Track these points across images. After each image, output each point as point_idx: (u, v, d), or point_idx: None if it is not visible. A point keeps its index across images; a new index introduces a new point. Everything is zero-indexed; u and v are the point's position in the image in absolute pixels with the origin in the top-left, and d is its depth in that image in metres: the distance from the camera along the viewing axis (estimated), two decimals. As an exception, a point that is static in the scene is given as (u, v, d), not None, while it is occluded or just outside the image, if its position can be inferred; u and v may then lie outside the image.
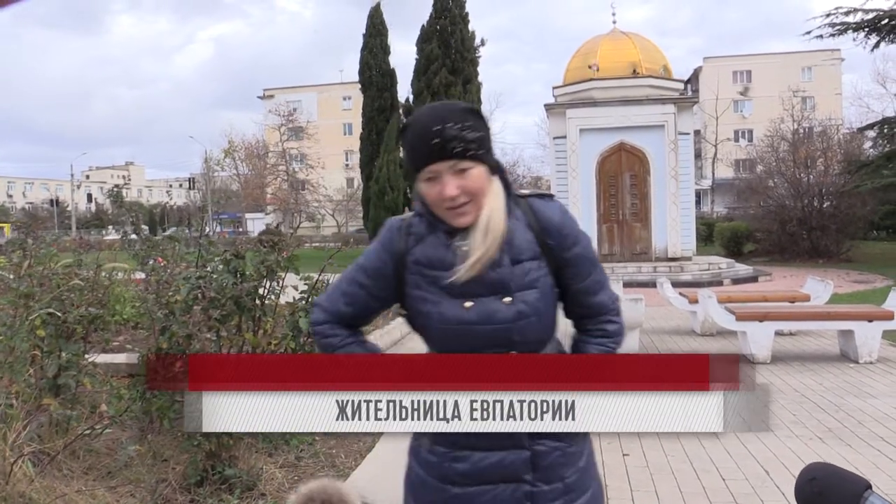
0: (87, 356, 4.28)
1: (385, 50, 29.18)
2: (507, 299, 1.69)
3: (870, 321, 7.71)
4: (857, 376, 7.06)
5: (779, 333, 8.41)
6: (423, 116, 1.68)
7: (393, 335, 9.68)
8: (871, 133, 24.15)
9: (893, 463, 4.55)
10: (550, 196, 1.83)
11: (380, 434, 4.19)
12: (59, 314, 4.09)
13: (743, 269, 19.02)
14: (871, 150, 25.39)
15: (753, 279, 17.69)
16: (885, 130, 22.23)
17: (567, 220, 1.77)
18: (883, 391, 6.45)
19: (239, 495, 3.61)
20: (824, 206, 22.96)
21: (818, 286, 9.87)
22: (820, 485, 1.22)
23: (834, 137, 26.21)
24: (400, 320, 11.22)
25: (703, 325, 9.60)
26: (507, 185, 1.76)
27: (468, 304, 1.70)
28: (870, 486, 1.18)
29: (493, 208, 1.69)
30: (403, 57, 72.42)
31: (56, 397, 3.85)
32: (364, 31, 29.31)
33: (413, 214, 1.82)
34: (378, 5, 29.35)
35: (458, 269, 1.68)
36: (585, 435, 1.81)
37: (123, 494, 3.55)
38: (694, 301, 9.55)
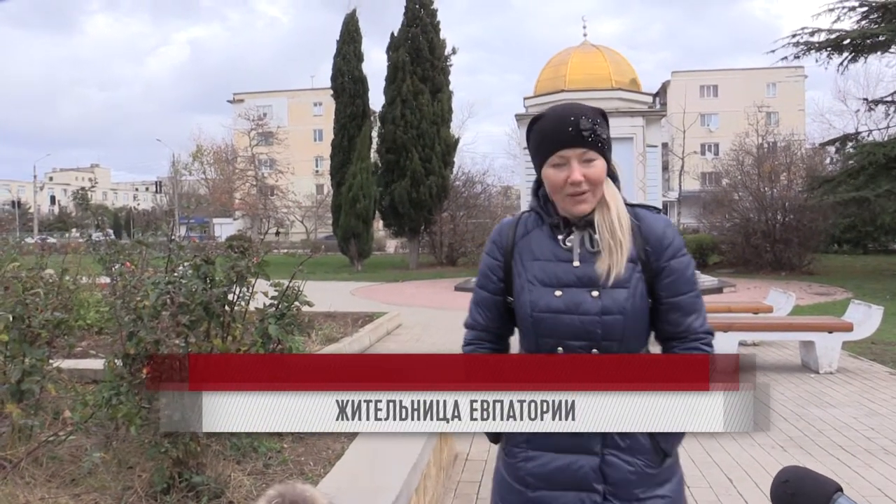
0: (51, 361, 4.22)
1: (358, 57, 29.15)
2: (595, 293, 1.75)
3: (830, 332, 7.89)
4: (818, 386, 7.21)
5: (742, 344, 8.56)
6: (561, 108, 1.83)
7: (362, 342, 9.66)
8: (832, 148, 24.70)
9: (852, 471, 4.66)
10: (658, 209, 1.91)
11: (350, 441, 4.20)
12: (22, 318, 4.02)
13: (708, 280, 19.27)
14: (831, 165, 25.98)
15: (718, 290, 17.94)
16: (849, 146, 22.74)
17: (669, 231, 1.84)
18: (842, 401, 6.60)
19: (206, 503, 3.57)
20: (787, 219, 23.40)
21: (781, 298, 10.07)
22: (793, 486, 1.28)
23: (797, 153, 26.75)
24: (369, 328, 11.13)
25: (669, 335, 9.72)
26: (615, 182, 1.88)
27: (558, 293, 1.77)
28: (840, 489, 1.24)
29: (618, 203, 1.82)
30: (379, 64, 72.44)
31: (19, 403, 3.78)
32: (338, 38, 29.25)
33: (525, 210, 1.97)
34: (354, 12, 29.33)
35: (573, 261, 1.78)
36: (674, 463, 1.83)
37: (88, 502, 3.50)
38: (660, 311, 9.67)
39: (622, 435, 1.71)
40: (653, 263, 1.79)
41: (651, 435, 1.72)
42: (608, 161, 1.83)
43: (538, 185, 1.92)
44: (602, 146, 1.78)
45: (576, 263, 1.78)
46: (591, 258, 1.78)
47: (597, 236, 1.79)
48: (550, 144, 1.79)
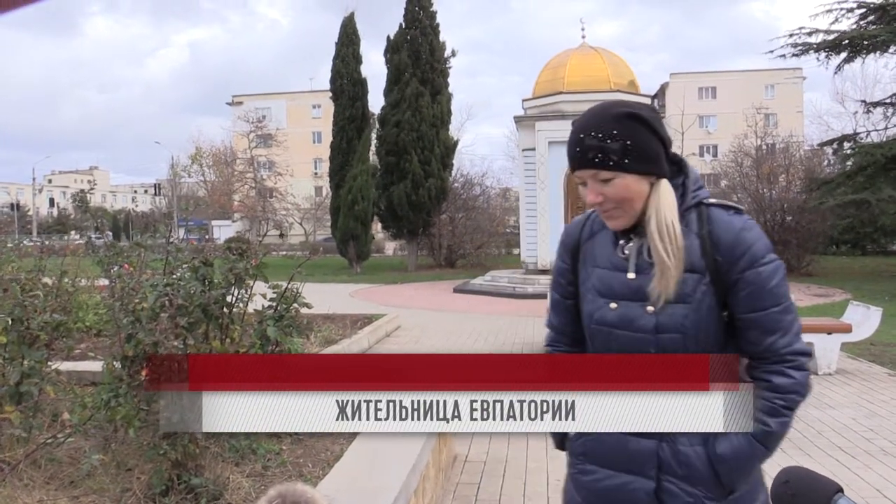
0: (50, 363, 4.21)
1: (357, 59, 29.17)
2: (650, 308, 1.62)
3: (829, 334, 7.89)
4: (817, 387, 7.21)
5: (741, 345, 8.54)
6: (577, 122, 1.68)
7: (361, 344, 9.65)
8: (830, 150, 24.74)
9: (851, 472, 4.66)
10: (739, 210, 1.66)
11: (349, 442, 4.20)
12: (21, 320, 4.02)
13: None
14: (829, 167, 26.02)
15: (717, 292, 17.95)
16: (846, 147, 22.77)
17: (746, 236, 1.59)
18: (841, 402, 6.60)
19: (204, 505, 3.57)
20: (786, 221, 23.43)
21: (780, 299, 10.07)
22: (794, 487, 1.28)
23: (795, 154, 26.79)
24: (368, 329, 11.12)
25: (668, 336, 9.73)
26: (685, 190, 1.66)
27: (613, 305, 1.67)
28: (841, 490, 1.24)
29: (664, 216, 1.60)
30: (378, 67, 72.53)
31: (18, 405, 3.78)
32: (337, 41, 29.27)
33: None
34: (352, 14, 29.35)
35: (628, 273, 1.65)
36: (747, 499, 1.66)
37: (86, 504, 3.50)
38: (659, 313, 9.67)
39: (679, 462, 1.61)
40: (724, 274, 1.59)
41: (712, 466, 1.59)
42: (642, 170, 1.61)
43: None
44: (618, 163, 1.59)
45: (630, 275, 1.65)
46: (648, 269, 1.62)
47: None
48: (569, 163, 1.68)
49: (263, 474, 4.09)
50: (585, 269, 1.76)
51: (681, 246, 1.58)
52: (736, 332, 1.63)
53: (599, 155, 1.59)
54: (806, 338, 6.34)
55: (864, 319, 8.09)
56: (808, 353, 1.63)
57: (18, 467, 3.47)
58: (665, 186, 1.63)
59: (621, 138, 1.59)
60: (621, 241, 1.69)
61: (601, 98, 19.65)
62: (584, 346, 1.84)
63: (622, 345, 1.65)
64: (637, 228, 1.66)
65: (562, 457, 1.88)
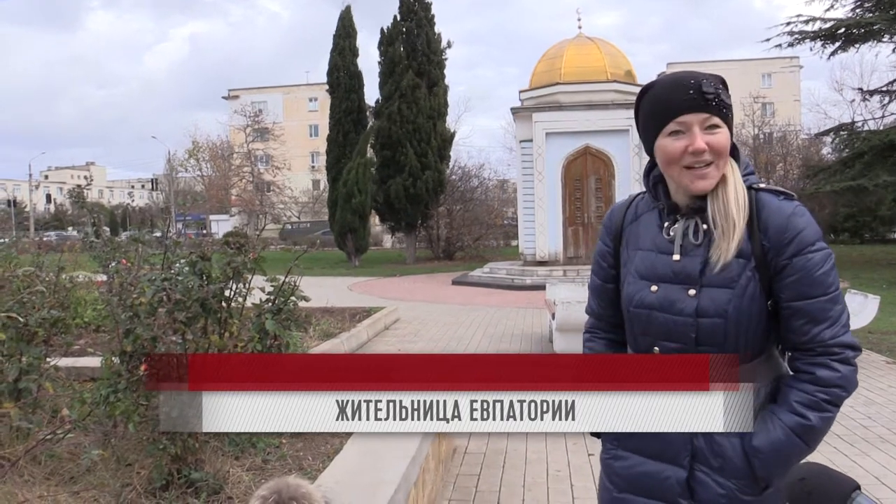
0: (48, 360, 4.21)
1: (354, 52, 29.10)
2: (692, 291, 1.58)
3: (827, 322, 7.90)
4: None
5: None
6: (679, 74, 1.62)
7: (360, 337, 9.66)
8: (829, 138, 24.74)
9: (849, 459, 4.68)
10: (789, 195, 1.61)
11: (349, 435, 4.20)
12: (19, 317, 4.02)
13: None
14: (830, 154, 26.03)
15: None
16: (843, 135, 22.77)
17: (796, 222, 1.54)
18: (839, 390, 6.62)
19: (205, 499, 3.57)
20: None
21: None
22: (809, 485, 1.25)
23: (793, 143, 26.80)
24: (367, 322, 11.12)
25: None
26: (737, 159, 1.66)
27: (654, 287, 1.64)
28: (858, 487, 1.21)
29: (737, 180, 1.59)
30: (375, 59, 72.44)
31: (17, 402, 3.78)
32: (334, 33, 29.20)
33: (640, 192, 1.79)
34: (348, 8, 29.25)
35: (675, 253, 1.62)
36: (776, 495, 1.60)
37: (87, 500, 3.50)
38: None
39: (714, 453, 1.58)
40: (771, 260, 1.54)
41: (747, 458, 1.55)
42: (732, 131, 1.61)
43: (651, 165, 1.73)
44: (727, 113, 1.58)
45: (675, 257, 1.61)
46: (693, 251, 1.60)
47: (704, 226, 1.59)
48: (667, 111, 1.57)
49: (263, 468, 4.10)
50: (627, 251, 1.73)
51: (746, 215, 1.56)
52: (780, 321, 1.58)
53: (717, 99, 1.55)
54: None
55: (861, 308, 8.09)
56: (856, 347, 1.55)
57: (18, 463, 3.48)
58: (736, 167, 1.63)
59: (726, 95, 1.59)
60: (667, 223, 1.65)
61: (598, 88, 19.55)
62: (621, 336, 1.82)
63: (661, 328, 1.62)
64: (688, 208, 1.63)
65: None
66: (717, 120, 1.56)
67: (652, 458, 1.65)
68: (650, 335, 1.65)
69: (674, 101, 1.57)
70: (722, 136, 1.56)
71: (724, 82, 1.61)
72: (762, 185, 1.63)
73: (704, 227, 1.60)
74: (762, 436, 1.53)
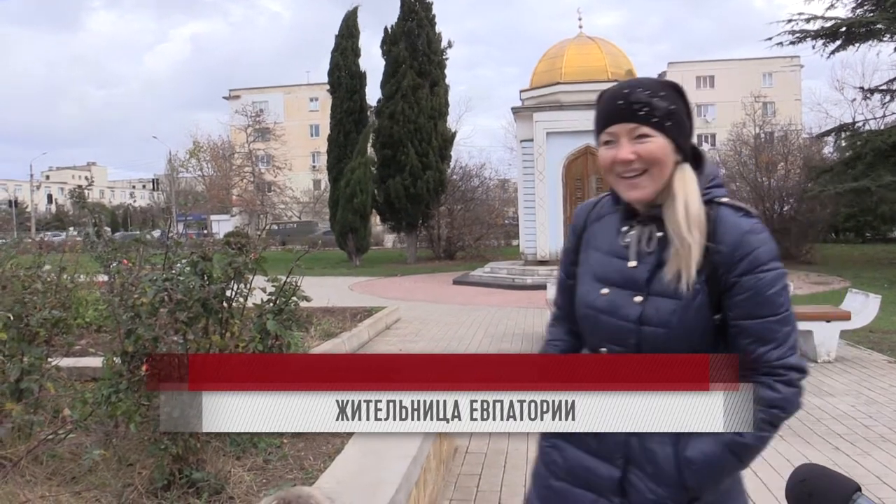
0: (49, 360, 4.22)
1: (356, 52, 29.10)
2: (638, 298, 1.58)
3: (828, 321, 7.90)
4: (816, 375, 7.23)
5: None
6: (617, 84, 1.61)
7: (361, 337, 9.66)
8: (830, 138, 24.72)
9: (851, 459, 4.67)
10: (749, 213, 1.57)
11: (350, 435, 4.21)
12: (21, 317, 4.02)
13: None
14: (831, 154, 25.99)
15: (716, 281, 17.96)
16: (845, 135, 22.75)
17: (750, 240, 1.51)
18: (840, 390, 6.61)
19: (207, 499, 3.58)
20: (785, 209, 23.43)
21: (779, 288, 10.07)
22: (810, 486, 1.24)
23: (794, 142, 26.76)
24: (368, 322, 11.13)
25: (668, 326, 9.73)
26: (698, 168, 1.61)
27: (605, 290, 1.64)
28: (859, 489, 1.19)
29: (689, 192, 1.55)
30: (377, 59, 72.43)
31: (18, 402, 3.79)
32: (337, 33, 29.20)
33: (608, 192, 1.77)
34: (355, 8, 29.27)
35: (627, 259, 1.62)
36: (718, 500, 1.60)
37: (89, 500, 3.50)
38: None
39: (646, 459, 1.58)
40: (722, 276, 1.52)
41: (679, 467, 1.55)
42: (677, 140, 1.56)
43: None
44: (661, 122, 1.53)
45: (631, 263, 1.60)
46: (647, 258, 1.59)
47: (658, 234, 1.58)
48: (600, 121, 1.60)
49: (265, 468, 4.10)
50: (587, 251, 1.74)
51: (703, 231, 1.52)
52: (728, 337, 1.57)
53: (646, 108, 1.53)
54: (805, 326, 6.32)
55: (863, 307, 8.10)
56: (801, 370, 1.53)
57: (20, 463, 3.48)
58: (690, 171, 1.59)
59: (667, 100, 1.55)
60: (623, 228, 1.65)
61: (599, 88, 19.70)
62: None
63: (606, 331, 1.64)
64: (644, 215, 1.61)
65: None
66: (646, 129, 1.54)
67: (589, 453, 1.66)
68: (597, 336, 1.67)
69: (605, 111, 1.59)
70: (652, 146, 1.54)
71: (674, 87, 1.59)
72: (724, 200, 1.58)
73: (659, 234, 1.58)
74: (696, 448, 1.53)
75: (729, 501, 1.63)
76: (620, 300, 1.61)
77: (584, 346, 1.77)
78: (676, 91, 1.58)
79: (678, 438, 1.54)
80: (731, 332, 1.55)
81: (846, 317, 7.96)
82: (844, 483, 1.22)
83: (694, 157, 1.63)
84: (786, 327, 1.51)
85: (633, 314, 1.58)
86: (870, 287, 11.72)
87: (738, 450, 1.52)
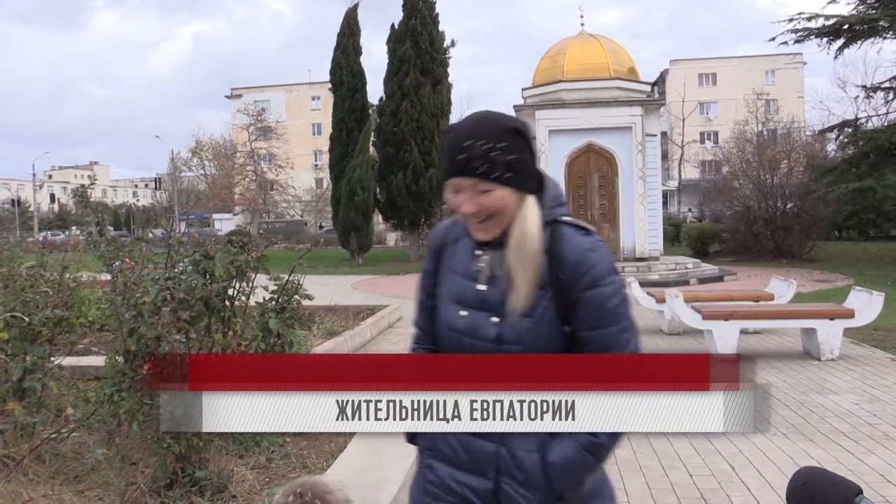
0: (52, 359, 4.22)
1: (357, 50, 29.09)
2: (495, 319, 1.66)
3: (831, 319, 7.88)
4: (820, 373, 7.21)
5: (744, 332, 8.56)
6: (461, 127, 1.64)
7: (364, 335, 9.66)
8: (832, 135, 24.65)
9: (855, 457, 4.66)
10: (588, 231, 1.68)
11: (352, 435, 4.20)
12: (23, 316, 4.02)
13: (709, 268, 19.29)
14: (835, 152, 25.93)
15: (719, 279, 17.95)
16: (847, 133, 22.69)
17: (590, 257, 1.63)
18: (844, 387, 6.60)
19: (210, 497, 3.58)
20: (788, 207, 23.39)
21: (782, 286, 10.07)
22: (811, 489, 1.24)
23: (797, 140, 26.71)
24: (370, 321, 11.12)
25: (671, 324, 9.73)
26: (541, 206, 1.67)
27: (463, 313, 1.70)
28: (860, 492, 1.19)
29: (525, 231, 1.63)
30: (379, 57, 72.41)
31: (21, 401, 3.79)
32: (338, 31, 29.19)
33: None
34: (356, 6, 29.26)
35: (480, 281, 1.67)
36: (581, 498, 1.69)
37: (91, 498, 3.51)
38: (661, 300, 9.67)
39: (517, 467, 1.64)
40: (567, 292, 1.63)
41: (545, 471, 1.63)
42: (519, 185, 1.62)
43: None
44: (501, 175, 1.58)
45: (481, 287, 1.68)
46: (498, 281, 1.66)
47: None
48: (445, 170, 1.63)
49: (267, 466, 4.10)
50: (444, 273, 1.78)
51: (537, 264, 1.61)
52: (576, 345, 1.67)
53: (486, 166, 1.57)
54: (808, 323, 6.29)
55: (866, 305, 8.07)
56: None
57: (23, 462, 3.48)
58: (532, 203, 1.65)
59: (507, 151, 1.59)
60: (477, 252, 1.71)
61: (601, 86, 19.49)
62: None
63: (466, 351, 1.69)
64: (493, 241, 1.67)
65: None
66: (486, 185, 1.58)
67: (462, 469, 1.71)
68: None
69: (448, 161, 1.61)
70: (493, 199, 1.60)
71: (515, 131, 1.62)
72: (566, 219, 1.68)
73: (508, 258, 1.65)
74: (557, 451, 1.62)
75: (596, 499, 1.71)
76: (479, 321, 1.67)
77: None
78: (518, 134, 1.62)
79: (542, 444, 1.63)
80: (579, 342, 1.66)
81: (850, 315, 7.94)
82: (846, 486, 1.21)
83: (538, 182, 1.70)
84: (625, 335, 1.64)
85: (491, 334, 1.65)
86: (873, 285, 11.70)
87: (593, 450, 1.62)
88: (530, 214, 1.64)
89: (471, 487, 1.69)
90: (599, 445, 1.63)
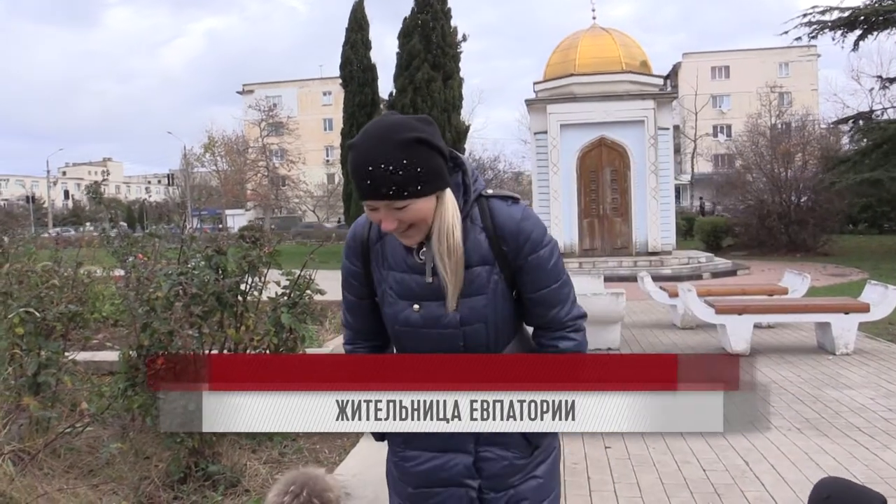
0: (66, 354, 4.25)
1: (366, 45, 29.08)
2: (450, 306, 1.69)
3: (846, 313, 7.82)
4: (834, 368, 7.16)
5: (757, 326, 8.50)
6: (361, 148, 1.56)
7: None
8: (846, 127, 24.42)
9: (870, 452, 4.63)
10: (515, 199, 1.75)
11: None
12: (37, 312, 4.05)
13: (722, 262, 19.18)
14: (849, 144, 25.71)
15: (732, 273, 17.85)
16: (861, 125, 22.47)
17: (526, 226, 1.70)
18: (859, 382, 6.55)
19: (223, 492, 3.60)
20: (802, 200, 23.21)
21: (796, 280, 10.00)
22: (835, 502, 1.22)
23: (812, 133, 26.49)
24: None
25: (684, 318, 9.68)
26: (466, 187, 1.70)
27: (416, 306, 1.72)
28: (885, 501, 1.17)
29: (443, 228, 1.64)
30: (391, 51, 72.30)
31: (36, 396, 3.82)
32: (346, 26, 29.19)
33: None
34: (361, 0, 29.22)
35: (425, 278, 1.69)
36: (547, 447, 1.84)
37: (106, 492, 3.53)
38: (674, 295, 9.62)
39: (498, 434, 1.71)
40: (511, 262, 1.70)
41: (524, 434, 1.74)
42: (434, 190, 1.61)
43: None
44: (411, 192, 1.56)
45: (429, 279, 1.69)
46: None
47: None
48: (357, 190, 1.60)
49: (280, 461, 4.12)
50: (379, 270, 1.78)
51: (461, 255, 1.65)
52: (523, 307, 1.77)
53: (393, 188, 1.54)
54: (823, 318, 6.23)
55: (881, 299, 8.00)
56: (583, 316, 1.81)
57: (38, 456, 3.51)
58: (448, 197, 1.65)
59: (412, 167, 1.54)
60: (415, 247, 1.71)
61: (613, 79, 19.35)
62: (383, 342, 1.90)
63: (431, 343, 1.72)
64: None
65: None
66: (399, 203, 1.57)
67: (439, 451, 1.77)
68: (421, 348, 1.74)
69: (357, 185, 1.58)
70: (410, 213, 1.59)
71: (415, 142, 1.55)
72: (489, 192, 1.73)
73: None
74: None
75: (543, 491, 1.83)
76: (435, 311, 1.70)
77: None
78: (419, 143, 1.56)
79: None
80: (527, 303, 1.76)
81: (865, 309, 7.88)
82: (870, 497, 1.19)
83: (451, 160, 1.69)
84: (566, 289, 1.77)
85: (453, 321, 1.70)
86: (889, 279, 11.59)
87: None
88: (447, 209, 1.64)
89: (450, 465, 1.76)
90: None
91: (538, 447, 1.81)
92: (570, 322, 1.77)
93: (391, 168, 1.53)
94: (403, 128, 1.57)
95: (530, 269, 1.71)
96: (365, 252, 1.80)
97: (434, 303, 1.70)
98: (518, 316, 1.80)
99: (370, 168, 1.54)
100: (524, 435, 1.75)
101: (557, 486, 1.90)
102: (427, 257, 1.69)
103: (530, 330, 1.87)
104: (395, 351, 1.85)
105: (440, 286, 1.68)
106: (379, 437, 1.90)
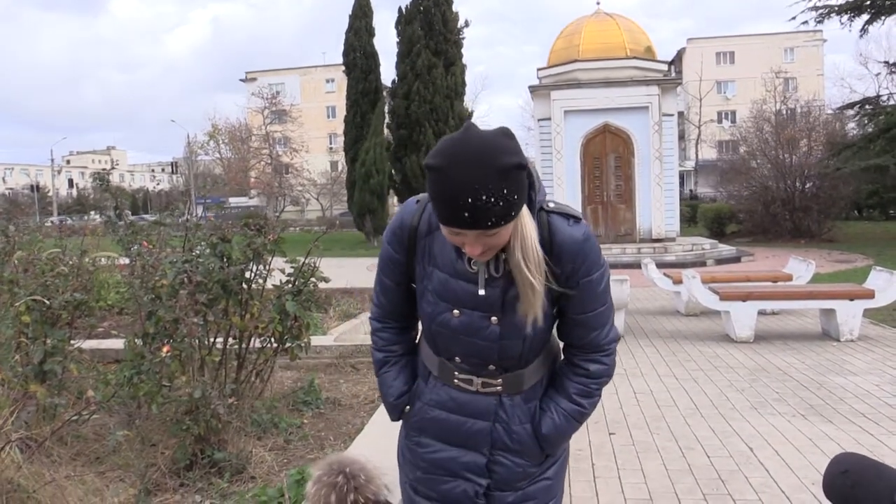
0: (72, 342, 4.26)
1: (370, 32, 28.97)
2: (494, 318, 1.65)
3: (851, 300, 7.81)
4: (839, 354, 7.15)
5: (762, 313, 8.49)
6: (453, 178, 1.42)
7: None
8: (852, 112, 24.26)
9: (874, 438, 4.63)
10: (577, 218, 1.65)
11: (370, 415, 4.22)
12: (44, 300, 4.06)
13: (726, 249, 19.14)
14: (855, 129, 25.56)
15: (736, 259, 17.82)
16: (867, 109, 22.33)
17: (586, 249, 1.63)
18: (863, 368, 6.55)
19: (228, 479, 3.61)
20: (807, 186, 23.11)
21: (800, 266, 9.97)
22: (853, 477, 1.18)
23: (818, 118, 26.32)
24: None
25: (688, 305, 9.68)
26: (531, 200, 1.59)
27: (456, 312, 1.67)
28: None
29: (525, 244, 1.54)
30: (393, 39, 71.89)
31: (42, 384, 3.83)
32: (350, 13, 29.07)
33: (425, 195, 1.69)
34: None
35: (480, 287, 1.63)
36: (558, 457, 1.85)
37: (112, 479, 3.55)
38: (678, 281, 9.61)
39: (512, 440, 1.74)
40: (563, 283, 1.63)
41: (538, 440, 1.75)
42: (519, 212, 1.51)
43: None
44: (507, 219, 1.47)
45: (481, 291, 1.62)
46: (495, 283, 1.62)
47: (504, 256, 1.59)
48: (444, 219, 1.49)
49: (286, 448, 4.14)
50: (423, 266, 1.72)
51: (543, 270, 1.58)
52: (563, 324, 1.74)
53: (493, 219, 1.44)
54: (827, 304, 6.22)
55: (886, 285, 7.98)
56: (618, 339, 1.80)
57: (45, 444, 3.53)
58: (526, 213, 1.55)
59: (511, 195, 1.44)
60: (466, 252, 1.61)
61: (617, 65, 19.20)
62: (410, 324, 1.90)
63: (464, 347, 1.70)
64: None
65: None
66: (492, 231, 1.47)
67: (453, 445, 1.77)
68: (454, 350, 1.72)
69: (449, 215, 1.46)
70: (499, 237, 1.51)
71: (514, 168, 1.43)
72: (551, 206, 1.65)
73: (504, 257, 1.60)
74: (548, 424, 1.75)
75: (550, 493, 1.84)
76: (477, 322, 1.66)
77: (432, 350, 1.79)
78: (517, 168, 1.45)
79: (533, 416, 1.76)
80: (569, 322, 1.72)
81: (870, 295, 7.86)
82: (891, 475, 1.16)
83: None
84: (609, 312, 1.73)
85: (493, 334, 1.66)
86: (894, 265, 11.56)
87: (580, 417, 1.77)
88: (526, 224, 1.55)
89: (462, 462, 1.76)
90: (584, 413, 1.78)
91: (551, 456, 1.82)
92: (606, 346, 1.74)
93: (493, 200, 1.41)
94: (500, 151, 1.44)
95: (581, 291, 1.65)
96: (411, 244, 1.73)
97: (477, 313, 1.65)
98: (550, 328, 1.75)
99: (469, 200, 1.41)
100: (540, 446, 1.76)
101: (563, 484, 1.92)
102: (480, 268, 1.62)
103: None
104: (428, 340, 1.80)
105: (489, 300, 1.63)
106: (396, 416, 1.90)
